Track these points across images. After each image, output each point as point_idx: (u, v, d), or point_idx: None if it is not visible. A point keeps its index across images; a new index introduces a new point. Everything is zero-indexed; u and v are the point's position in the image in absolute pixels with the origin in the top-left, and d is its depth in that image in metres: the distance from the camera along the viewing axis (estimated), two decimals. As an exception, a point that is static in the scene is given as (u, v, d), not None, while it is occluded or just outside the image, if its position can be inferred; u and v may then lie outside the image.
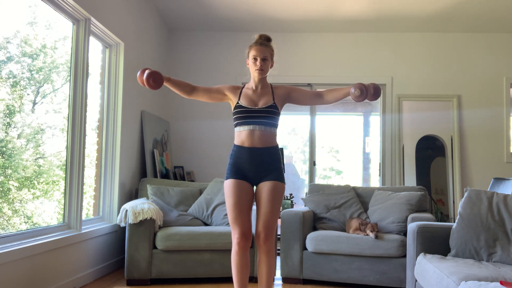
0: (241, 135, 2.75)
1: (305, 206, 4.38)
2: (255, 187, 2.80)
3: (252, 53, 2.77)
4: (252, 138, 2.72)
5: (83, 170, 3.65)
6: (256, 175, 2.74)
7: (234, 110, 2.79)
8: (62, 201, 3.59)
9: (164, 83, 2.68)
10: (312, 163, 5.91)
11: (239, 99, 2.79)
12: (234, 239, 2.69)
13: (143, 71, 2.62)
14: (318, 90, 2.93)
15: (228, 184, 2.73)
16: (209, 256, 3.84)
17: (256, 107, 2.75)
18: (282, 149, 5.18)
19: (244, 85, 2.88)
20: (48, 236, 3.26)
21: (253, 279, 3.92)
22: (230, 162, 2.79)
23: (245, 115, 2.73)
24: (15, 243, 2.90)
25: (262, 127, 2.73)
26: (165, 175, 5.23)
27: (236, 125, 2.79)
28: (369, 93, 2.62)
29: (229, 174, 2.76)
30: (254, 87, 2.83)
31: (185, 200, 4.37)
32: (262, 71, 2.77)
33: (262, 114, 2.73)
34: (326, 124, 6.19)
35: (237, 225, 2.67)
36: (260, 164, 2.74)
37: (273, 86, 2.88)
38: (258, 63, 2.75)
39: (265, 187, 2.72)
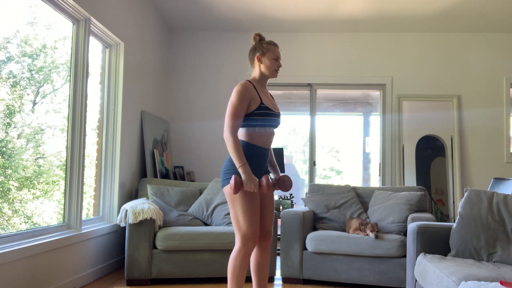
0: (263, 136, 2.67)
1: (305, 206, 4.38)
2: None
3: (275, 52, 2.72)
4: (270, 140, 2.73)
5: (83, 170, 3.65)
6: (259, 176, 2.73)
7: (257, 110, 2.63)
8: (62, 201, 3.59)
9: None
10: (312, 163, 5.91)
11: (261, 99, 2.67)
12: (250, 241, 2.57)
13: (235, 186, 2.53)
14: None
15: None
16: (209, 256, 3.84)
17: (277, 111, 2.74)
18: (282, 149, 5.18)
19: (251, 82, 2.72)
20: (48, 236, 3.26)
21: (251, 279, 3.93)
22: (250, 162, 2.65)
23: (271, 118, 2.67)
24: (15, 243, 2.90)
25: (275, 130, 2.79)
26: (165, 175, 5.23)
27: (256, 125, 2.65)
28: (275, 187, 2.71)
29: None
30: (262, 87, 2.77)
31: (185, 200, 4.37)
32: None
33: (279, 118, 2.76)
34: (326, 124, 6.19)
35: (256, 227, 2.59)
36: (265, 165, 2.75)
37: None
38: (279, 63, 2.75)
39: None
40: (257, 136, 2.65)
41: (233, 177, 2.51)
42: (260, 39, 2.79)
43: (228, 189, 2.61)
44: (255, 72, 2.76)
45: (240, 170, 2.52)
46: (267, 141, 2.69)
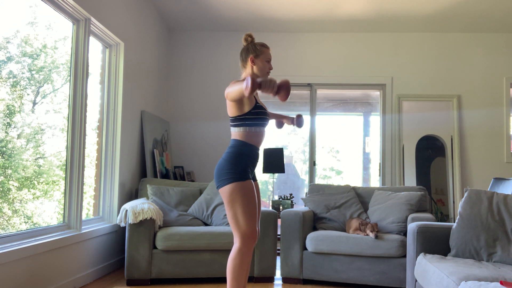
0: (259, 136, 2.70)
1: (305, 206, 4.38)
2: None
3: (268, 55, 2.79)
4: (263, 140, 2.76)
5: (83, 170, 3.65)
6: (252, 176, 2.76)
7: (254, 109, 2.65)
8: (62, 201, 3.59)
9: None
10: (312, 163, 5.91)
11: (255, 99, 2.72)
12: (250, 240, 2.59)
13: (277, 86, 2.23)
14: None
15: (249, 185, 2.62)
16: (209, 256, 3.84)
17: (267, 110, 2.78)
18: (282, 149, 5.18)
19: None
20: (48, 236, 3.26)
21: (252, 279, 3.93)
22: (245, 163, 2.64)
23: (265, 117, 2.71)
24: (15, 243, 2.90)
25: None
26: (165, 175, 5.23)
27: (253, 125, 2.67)
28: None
29: (246, 175, 2.61)
30: None
31: (185, 200, 4.37)
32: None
33: (268, 117, 2.78)
34: (326, 124, 6.19)
35: (255, 226, 2.61)
36: (256, 166, 2.78)
37: None
38: (270, 65, 2.79)
39: (256, 186, 2.78)
40: (253, 135, 2.67)
41: (248, 77, 2.24)
42: (251, 40, 2.82)
43: (225, 190, 2.57)
44: (247, 73, 2.78)
45: (257, 80, 2.23)
46: (261, 141, 2.73)
